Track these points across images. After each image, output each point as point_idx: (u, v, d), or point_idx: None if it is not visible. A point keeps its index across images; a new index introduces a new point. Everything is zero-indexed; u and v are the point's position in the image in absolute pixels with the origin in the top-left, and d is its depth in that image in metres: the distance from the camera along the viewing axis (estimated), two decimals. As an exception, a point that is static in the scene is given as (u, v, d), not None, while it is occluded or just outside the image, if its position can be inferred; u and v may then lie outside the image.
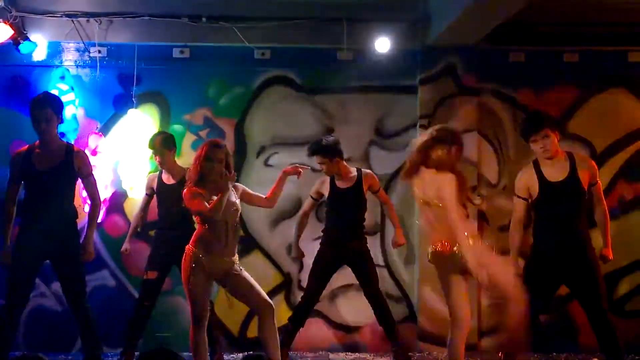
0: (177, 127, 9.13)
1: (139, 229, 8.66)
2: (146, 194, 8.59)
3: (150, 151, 8.42)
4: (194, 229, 8.01)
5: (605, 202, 7.31)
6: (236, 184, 7.13)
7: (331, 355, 9.12)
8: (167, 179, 8.39)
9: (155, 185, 8.46)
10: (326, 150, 8.28)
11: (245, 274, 7.04)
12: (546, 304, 7.44)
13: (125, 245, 8.62)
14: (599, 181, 7.26)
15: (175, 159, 8.39)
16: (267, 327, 6.99)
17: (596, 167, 7.32)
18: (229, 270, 6.91)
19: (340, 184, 8.38)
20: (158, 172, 8.53)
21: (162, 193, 8.32)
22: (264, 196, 7.28)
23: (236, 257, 7.03)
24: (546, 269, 7.10)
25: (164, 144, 8.31)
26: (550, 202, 7.10)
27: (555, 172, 7.13)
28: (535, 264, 7.18)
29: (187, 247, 6.91)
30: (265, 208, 7.58)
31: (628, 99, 9.46)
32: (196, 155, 6.91)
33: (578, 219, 7.09)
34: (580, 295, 7.24)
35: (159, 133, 8.60)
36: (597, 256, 7.20)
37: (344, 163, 8.45)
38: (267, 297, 7.05)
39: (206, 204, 6.72)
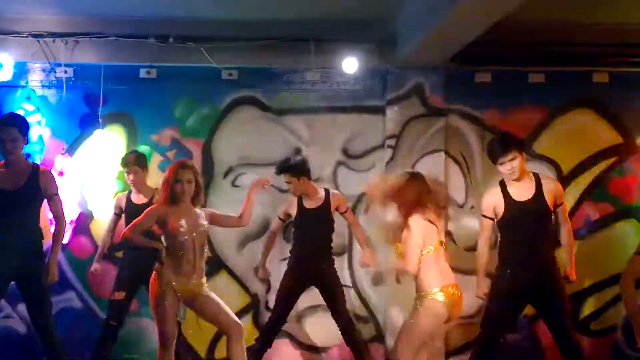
0: (144, 148, 9.08)
1: (105, 250, 8.64)
2: (114, 214, 8.58)
3: (123, 169, 8.42)
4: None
5: (569, 223, 7.41)
6: (204, 208, 7.13)
7: (299, 376, 9.10)
8: (137, 198, 8.39)
9: (123, 205, 8.45)
10: (294, 169, 8.29)
11: (213, 295, 7.02)
12: (513, 323, 7.48)
13: (95, 266, 8.59)
14: (564, 202, 7.37)
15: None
16: (236, 348, 6.99)
17: (561, 188, 7.43)
18: (197, 292, 6.89)
19: (307, 204, 8.39)
20: (127, 192, 8.52)
21: (131, 213, 8.29)
22: (234, 215, 7.27)
23: (204, 279, 7.01)
24: (512, 288, 7.14)
25: (137, 162, 8.35)
26: (516, 221, 7.16)
27: (522, 192, 7.19)
28: (502, 284, 7.22)
29: (155, 267, 6.89)
30: (237, 227, 7.57)
31: (593, 119, 9.52)
32: (165, 178, 6.90)
33: (543, 239, 7.17)
34: (545, 314, 7.30)
35: (132, 151, 8.62)
36: (562, 276, 7.26)
37: (312, 183, 8.46)
38: (235, 318, 7.05)
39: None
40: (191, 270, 6.84)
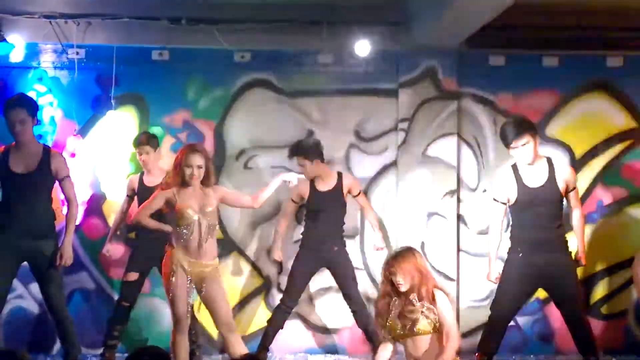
0: (156, 130, 9.07)
1: (118, 232, 8.67)
2: (127, 196, 8.59)
3: (135, 150, 8.43)
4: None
5: (581, 208, 7.42)
6: (215, 186, 7.12)
7: (310, 358, 9.11)
8: (149, 180, 8.40)
9: (136, 187, 8.46)
10: (307, 152, 8.29)
11: (221, 283, 7.02)
12: (524, 306, 7.49)
13: (107, 247, 8.62)
14: (576, 187, 7.34)
15: (156, 160, 8.43)
16: (229, 346, 7.03)
17: (574, 173, 7.43)
18: (206, 274, 6.90)
19: (320, 186, 8.39)
20: (139, 174, 8.53)
21: (143, 194, 8.28)
22: (248, 197, 7.28)
23: (216, 260, 7.02)
24: (523, 272, 7.14)
25: (149, 144, 8.35)
26: (528, 206, 7.15)
27: (534, 177, 7.18)
28: (513, 268, 7.22)
29: (166, 249, 6.91)
30: (248, 208, 7.57)
31: (607, 103, 9.48)
32: (175, 161, 6.91)
33: (555, 223, 7.16)
34: (557, 298, 7.32)
35: (144, 132, 8.62)
36: (574, 260, 7.27)
37: (325, 166, 8.46)
38: (231, 319, 7.04)
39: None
40: (200, 251, 6.85)
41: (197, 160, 6.86)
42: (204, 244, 6.85)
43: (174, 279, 6.81)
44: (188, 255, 6.82)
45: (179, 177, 6.83)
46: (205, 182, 6.95)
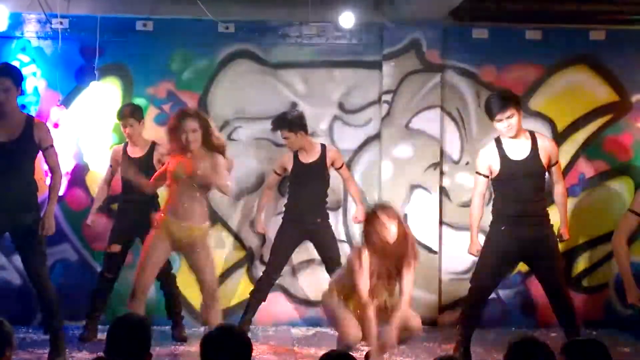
0: (139, 101, 9.04)
1: (101, 203, 8.65)
2: (110, 166, 8.58)
3: (119, 122, 8.41)
4: (158, 203, 8.05)
5: (564, 182, 7.48)
6: (216, 153, 7.09)
7: (292, 330, 9.14)
8: (133, 151, 8.40)
9: (120, 158, 8.44)
10: (291, 124, 8.32)
11: (210, 251, 7.05)
12: (505, 279, 7.54)
13: (91, 217, 8.59)
14: (558, 161, 7.39)
15: (140, 131, 8.42)
16: (211, 312, 7.07)
17: (557, 147, 7.47)
18: (194, 238, 6.91)
19: (304, 158, 8.42)
20: (123, 145, 8.51)
21: (127, 165, 8.27)
22: (229, 183, 7.26)
23: (206, 224, 7.03)
24: (505, 245, 7.18)
25: (133, 115, 8.32)
26: (511, 179, 7.18)
27: (517, 151, 7.21)
28: (495, 241, 7.26)
29: (155, 215, 6.94)
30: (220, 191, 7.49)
31: (590, 77, 9.50)
32: (168, 128, 6.91)
33: (537, 197, 7.20)
34: (538, 272, 7.38)
35: (128, 104, 8.59)
36: (556, 234, 7.32)
37: (309, 138, 8.48)
38: (216, 285, 7.08)
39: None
40: (188, 214, 6.86)
41: (190, 124, 6.86)
42: (194, 206, 6.84)
43: (156, 240, 6.82)
44: (178, 219, 6.83)
45: (176, 144, 6.82)
46: (207, 144, 6.93)
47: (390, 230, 6.62)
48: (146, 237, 7.10)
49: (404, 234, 6.74)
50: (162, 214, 6.94)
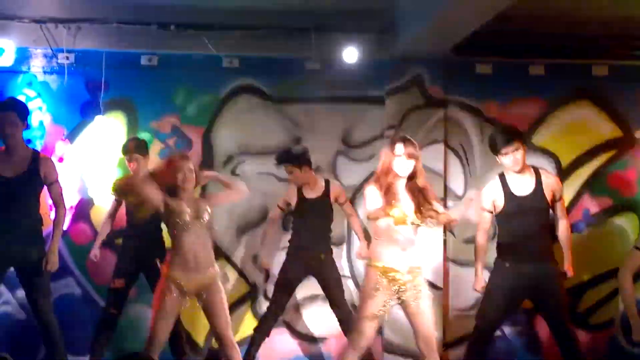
0: (144, 135, 9.07)
1: (105, 237, 8.64)
2: (115, 200, 8.56)
3: (124, 157, 8.41)
4: (162, 237, 8.04)
5: (567, 218, 7.45)
6: (204, 193, 7.13)
7: (296, 366, 9.13)
8: (137, 185, 8.39)
9: (124, 191, 8.45)
10: (295, 159, 8.32)
11: (222, 294, 6.99)
12: (511, 316, 7.51)
13: (94, 252, 8.55)
14: (562, 197, 7.39)
15: (144, 166, 8.42)
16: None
17: (561, 183, 7.47)
18: (206, 284, 6.88)
19: (307, 194, 8.41)
20: (127, 179, 8.52)
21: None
22: (235, 191, 7.28)
23: (214, 269, 6.98)
24: (510, 282, 7.17)
25: (138, 150, 8.32)
26: (515, 215, 7.18)
27: (521, 186, 7.22)
28: (500, 277, 7.25)
29: (162, 267, 6.90)
30: (239, 199, 7.53)
31: (593, 112, 9.52)
32: (164, 169, 6.88)
33: (542, 233, 7.19)
34: (543, 309, 7.34)
35: (133, 139, 8.58)
36: (560, 270, 7.30)
37: (313, 173, 8.48)
38: (229, 335, 7.02)
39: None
40: (197, 262, 6.83)
41: (188, 164, 6.87)
42: (201, 254, 6.83)
43: (165, 299, 6.78)
44: (186, 271, 6.80)
45: (168, 185, 6.81)
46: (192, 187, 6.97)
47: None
48: (155, 289, 7.02)
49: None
50: (168, 268, 6.87)
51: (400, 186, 6.68)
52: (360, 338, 6.78)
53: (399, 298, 6.68)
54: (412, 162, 6.63)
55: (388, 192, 6.60)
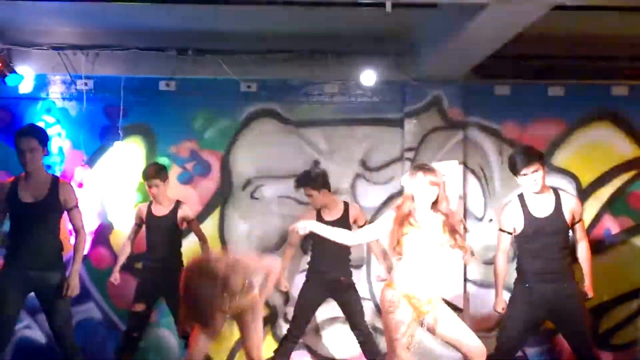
0: (163, 160, 9.10)
1: (124, 261, 8.66)
2: (135, 224, 8.59)
3: (144, 182, 8.43)
4: (182, 261, 8.04)
5: (587, 240, 7.35)
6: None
7: (317, 388, 9.10)
8: (158, 210, 8.41)
9: (144, 216, 8.46)
10: (314, 182, 8.31)
11: (255, 319, 6.89)
12: (532, 337, 7.46)
13: (115, 275, 8.56)
14: (582, 219, 7.32)
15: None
16: None
17: (581, 204, 7.41)
18: (245, 307, 6.76)
19: (327, 216, 8.39)
20: (147, 203, 8.53)
21: (151, 224, 8.36)
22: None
23: (253, 293, 6.76)
24: (530, 303, 7.12)
25: (158, 176, 8.34)
26: (535, 237, 7.13)
27: (541, 207, 7.17)
28: (519, 298, 7.21)
29: None
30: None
31: (613, 132, 9.50)
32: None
33: (561, 254, 7.14)
34: (564, 329, 7.28)
35: (153, 164, 8.61)
36: (581, 290, 7.25)
37: (332, 195, 8.48)
38: (258, 354, 6.95)
39: None
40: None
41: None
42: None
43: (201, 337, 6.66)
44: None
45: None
46: None
47: None
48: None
49: None
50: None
51: (424, 213, 6.61)
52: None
53: (421, 323, 6.62)
54: (435, 189, 6.55)
55: (407, 218, 6.55)
